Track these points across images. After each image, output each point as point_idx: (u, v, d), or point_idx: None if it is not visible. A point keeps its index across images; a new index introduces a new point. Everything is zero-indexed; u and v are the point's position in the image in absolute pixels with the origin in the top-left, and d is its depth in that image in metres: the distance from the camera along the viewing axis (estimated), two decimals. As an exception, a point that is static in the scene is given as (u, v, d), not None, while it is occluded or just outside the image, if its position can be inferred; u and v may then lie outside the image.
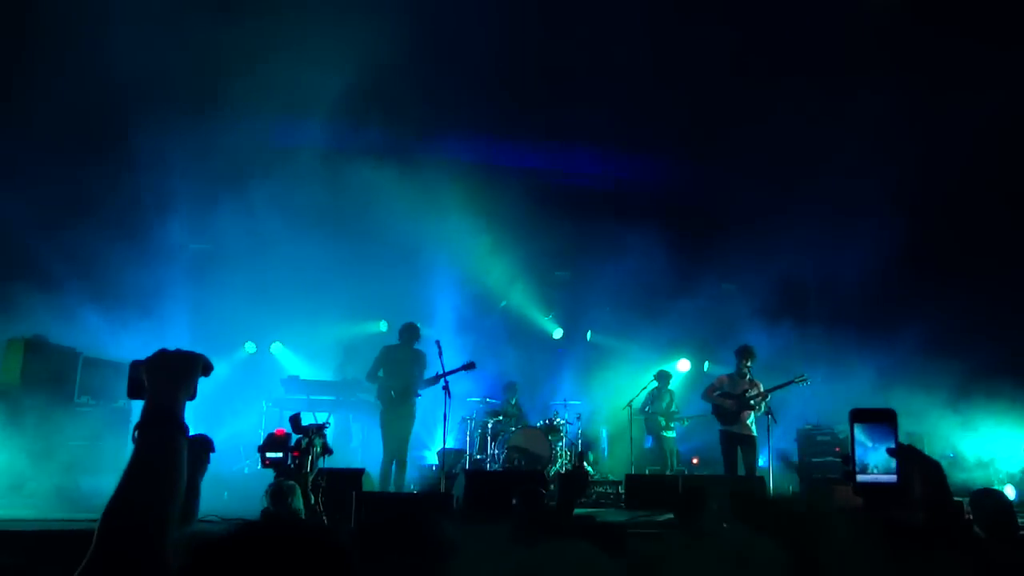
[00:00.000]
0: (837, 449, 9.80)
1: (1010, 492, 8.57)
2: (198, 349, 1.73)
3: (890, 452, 1.68)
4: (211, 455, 2.60)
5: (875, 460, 1.69)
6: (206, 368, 1.69)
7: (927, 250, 10.85)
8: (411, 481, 9.19)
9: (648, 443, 11.87)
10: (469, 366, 8.71)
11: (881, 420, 1.72)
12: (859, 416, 1.74)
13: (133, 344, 10.30)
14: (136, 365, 1.64)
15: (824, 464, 9.73)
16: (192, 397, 1.64)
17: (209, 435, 2.59)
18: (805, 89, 9.83)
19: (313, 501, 5.11)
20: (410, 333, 9.12)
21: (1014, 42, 8.93)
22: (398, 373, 8.82)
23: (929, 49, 9.13)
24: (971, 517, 5.22)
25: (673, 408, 11.06)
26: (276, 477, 4.87)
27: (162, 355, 1.63)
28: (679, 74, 10.20)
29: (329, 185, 10.49)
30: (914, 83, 9.59)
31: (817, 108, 9.69)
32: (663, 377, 11.10)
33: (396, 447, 8.65)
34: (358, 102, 10.07)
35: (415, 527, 5.81)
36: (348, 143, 11.44)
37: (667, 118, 10.95)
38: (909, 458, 1.67)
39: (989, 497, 4.69)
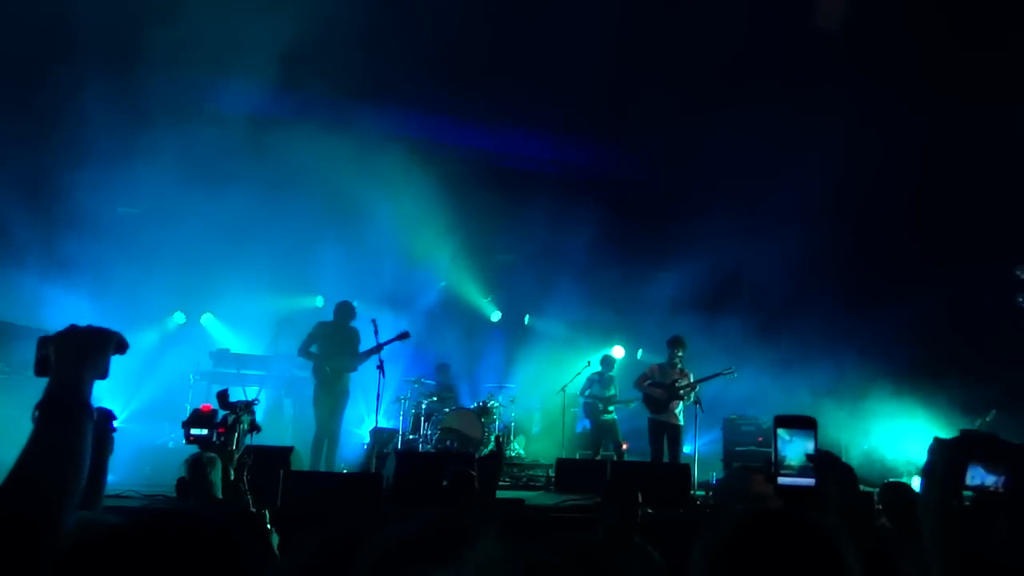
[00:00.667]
0: (760, 439, 10.14)
1: (916, 483, 9.00)
2: (125, 316, 1.66)
3: (809, 458, 1.78)
4: (116, 431, 2.47)
5: (795, 463, 1.80)
6: (120, 346, 1.61)
7: (860, 248, 11.25)
8: (341, 460, 9.12)
9: (580, 427, 12.06)
10: (403, 335, 8.63)
11: (803, 426, 1.83)
12: (782, 422, 1.84)
13: (57, 312, 9.90)
14: (44, 340, 1.55)
15: (747, 453, 10.06)
16: (102, 376, 1.56)
17: (124, 408, 2.50)
18: (751, 80, 10.00)
19: (233, 478, 5.01)
20: (345, 311, 8.98)
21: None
22: (332, 350, 8.68)
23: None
24: (880, 508, 5.50)
25: (612, 392, 11.11)
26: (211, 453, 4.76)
27: (72, 331, 1.55)
28: (627, 60, 10.27)
29: (266, 153, 10.22)
30: (859, 81, 9.82)
31: (764, 104, 9.86)
32: (608, 362, 11.24)
33: (327, 425, 8.53)
34: (298, 64, 9.78)
35: (341, 506, 5.76)
36: (288, 109, 11.14)
37: (612, 104, 11.03)
38: (826, 463, 1.75)
39: (896, 490, 4.93)
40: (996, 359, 10.63)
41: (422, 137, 10.90)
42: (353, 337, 8.82)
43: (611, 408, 10.98)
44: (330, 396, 8.60)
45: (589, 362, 11.20)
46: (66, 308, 10.15)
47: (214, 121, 10.46)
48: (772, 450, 1.82)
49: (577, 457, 10.89)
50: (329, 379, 8.63)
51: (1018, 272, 10.84)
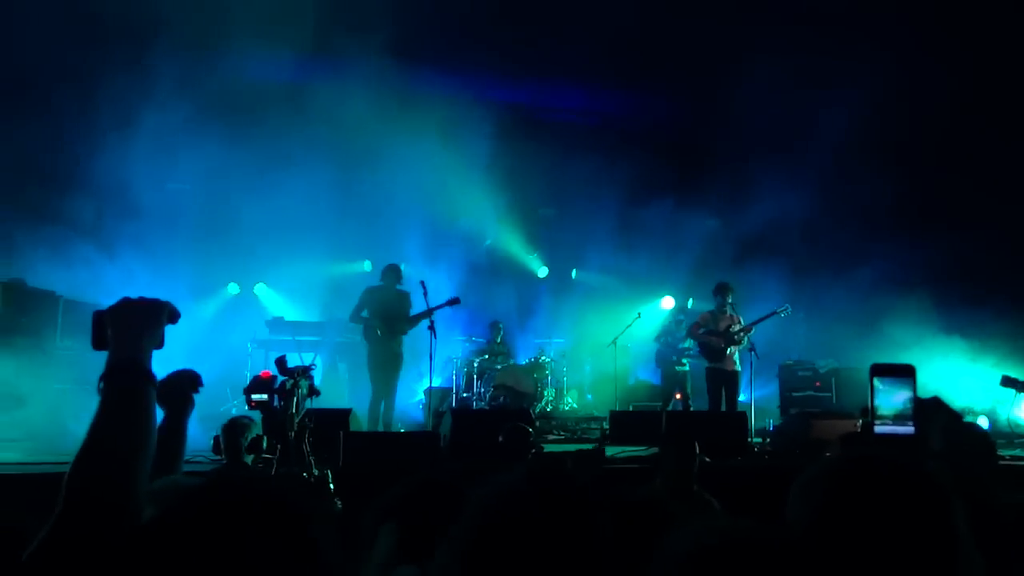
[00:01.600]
0: (817, 384, 10.00)
1: (984, 423, 8.80)
2: (180, 290, 1.69)
3: (916, 403, 1.78)
4: (197, 394, 2.54)
5: (891, 411, 1.80)
6: (172, 315, 1.65)
7: (913, 189, 10.82)
8: (398, 420, 9.30)
9: (633, 379, 12.02)
10: (453, 301, 8.66)
11: (900, 375, 1.83)
12: (879, 371, 1.84)
13: (113, 289, 10.22)
14: (99, 315, 1.59)
15: (804, 398, 9.93)
16: (159, 346, 1.60)
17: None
18: (796, 25, 9.60)
19: (292, 440, 5.15)
20: (393, 273, 9.01)
21: None
22: (382, 313, 8.75)
23: None
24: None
25: (687, 344, 10.94)
26: (263, 418, 4.91)
27: (125, 304, 1.58)
28: (667, 6, 9.95)
29: (310, 122, 10.26)
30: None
31: (811, 48, 9.48)
32: (686, 312, 11.13)
33: (384, 386, 8.65)
34: (337, 33, 9.76)
35: (401, 465, 5.88)
36: (328, 74, 11.13)
37: (653, 52, 10.71)
38: (929, 410, 1.75)
39: (968, 429, 4.84)
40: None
41: (461, 94, 10.77)
42: (403, 300, 8.87)
43: (684, 360, 10.77)
44: (384, 359, 8.69)
45: (639, 313, 11.11)
46: (121, 285, 10.48)
47: (255, 91, 10.55)
48: (868, 399, 1.82)
49: (631, 409, 10.90)
50: (381, 340, 8.70)
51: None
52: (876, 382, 1.83)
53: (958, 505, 1.23)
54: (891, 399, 1.81)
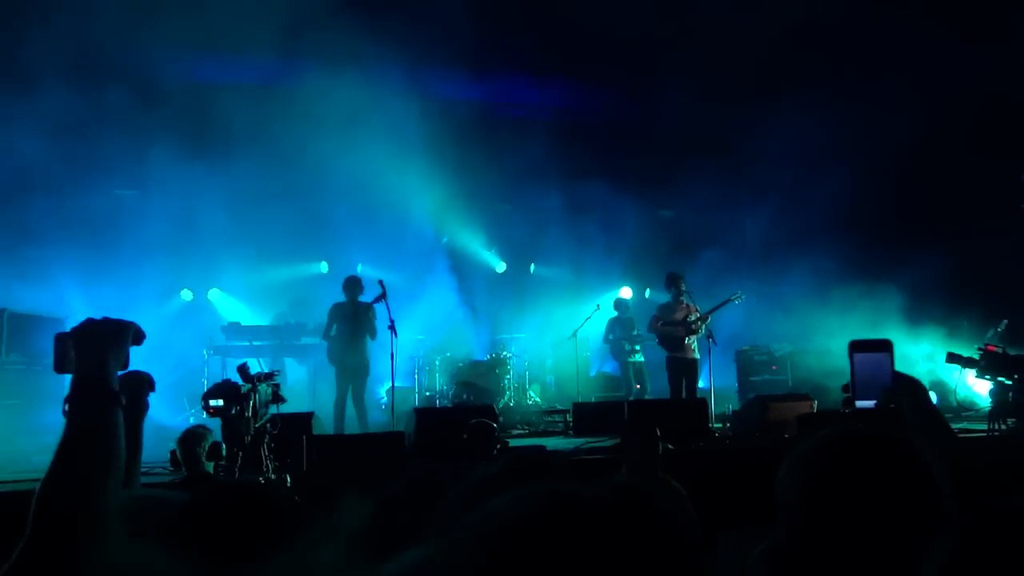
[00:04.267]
0: (774, 368, 10.19)
1: (933, 397, 9.08)
2: (131, 297, 1.66)
3: (895, 378, 1.80)
4: (151, 399, 2.47)
5: (870, 385, 1.81)
6: (137, 336, 1.63)
7: (868, 182, 11.11)
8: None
9: (595, 371, 12.12)
10: (380, 297, 8.52)
11: (878, 349, 1.85)
12: (857, 347, 1.86)
13: (64, 298, 9.93)
14: (61, 338, 1.56)
15: (762, 382, 10.12)
16: (124, 367, 1.59)
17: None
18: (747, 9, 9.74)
19: (250, 445, 5.06)
20: (352, 287, 9.06)
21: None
22: (348, 330, 8.86)
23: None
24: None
25: (636, 331, 11.09)
26: (222, 425, 4.81)
27: (89, 324, 1.56)
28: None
29: (258, 121, 10.06)
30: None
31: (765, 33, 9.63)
32: (621, 305, 11.29)
33: (354, 398, 8.81)
34: (286, 30, 9.60)
35: (365, 466, 5.81)
36: (279, 80, 10.97)
37: (606, 45, 10.76)
38: (907, 385, 1.78)
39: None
40: (1008, 276, 10.65)
41: (414, 92, 10.69)
42: (365, 313, 8.90)
43: (637, 347, 10.95)
44: (347, 372, 8.83)
45: (598, 305, 11.20)
46: (72, 294, 10.19)
47: (204, 94, 10.32)
48: (850, 375, 1.83)
49: (593, 400, 10.98)
50: (341, 359, 8.84)
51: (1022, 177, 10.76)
52: (856, 357, 1.86)
53: (935, 473, 1.29)
54: (869, 374, 1.82)
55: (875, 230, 11.12)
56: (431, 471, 2.40)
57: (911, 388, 1.76)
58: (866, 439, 1.33)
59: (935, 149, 10.45)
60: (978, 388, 9.08)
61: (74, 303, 9.89)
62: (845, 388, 1.83)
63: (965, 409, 8.38)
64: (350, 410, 8.83)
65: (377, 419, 9.64)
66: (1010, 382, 6.68)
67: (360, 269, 12.08)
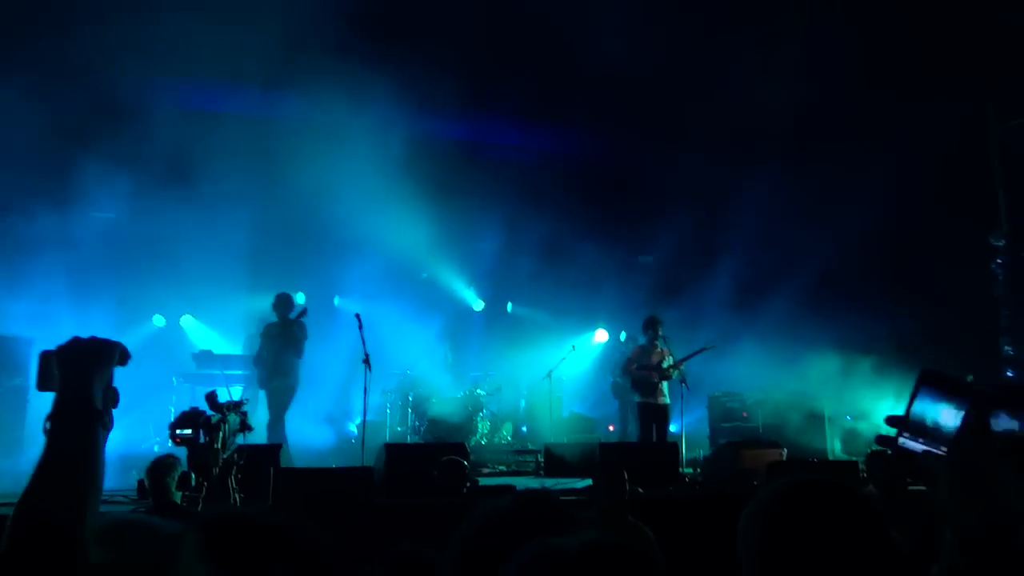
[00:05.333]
0: (744, 415, 10.25)
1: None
2: (103, 321, 1.65)
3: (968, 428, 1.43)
4: (115, 422, 2.41)
5: (930, 426, 1.47)
6: (123, 357, 1.62)
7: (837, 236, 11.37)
8: (330, 454, 9.09)
9: (568, 412, 12.08)
10: (302, 312, 8.69)
11: (956, 392, 1.45)
12: (930, 379, 1.48)
13: (33, 320, 9.77)
14: (46, 355, 1.55)
15: (732, 428, 10.16)
16: (108, 387, 1.58)
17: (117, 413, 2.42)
18: (732, 61, 10.00)
19: (218, 477, 4.97)
20: (282, 304, 8.81)
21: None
22: (276, 349, 8.64)
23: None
24: (865, 475, 5.61)
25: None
26: (189, 455, 4.73)
27: (75, 343, 1.55)
28: (605, 48, 10.23)
29: (242, 150, 10.08)
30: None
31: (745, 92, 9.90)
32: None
33: (274, 425, 8.42)
34: (273, 60, 9.68)
35: (333, 501, 5.73)
36: (261, 109, 11.04)
37: (593, 90, 10.96)
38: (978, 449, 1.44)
39: (882, 456, 5.05)
40: (972, 330, 10.90)
41: (400, 127, 10.80)
42: (294, 331, 8.66)
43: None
44: (271, 395, 8.60)
45: (574, 346, 11.23)
46: (41, 316, 10.02)
47: (186, 120, 10.34)
48: (907, 406, 1.48)
49: (565, 441, 10.92)
50: (266, 381, 8.60)
51: (992, 240, 11.06)
52: (923, 391, 1.49)
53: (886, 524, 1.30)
54: (935, 414, 1.47)
55: (847, 286, 11.35)
56: (417, 549, 2.38)
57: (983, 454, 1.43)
58: (821, 489, 1.34)
59: (908, 211, 10.74)
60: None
61: (44, 324, 9.73)
62: (892, 422, 1.51)
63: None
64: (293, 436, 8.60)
65: (348, 453, 9.52)
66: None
67: (337, 301, 12.03)
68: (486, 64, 10.47)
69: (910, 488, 4.97)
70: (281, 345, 8.57)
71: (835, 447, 10.03)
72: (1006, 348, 10.73)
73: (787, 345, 10.51)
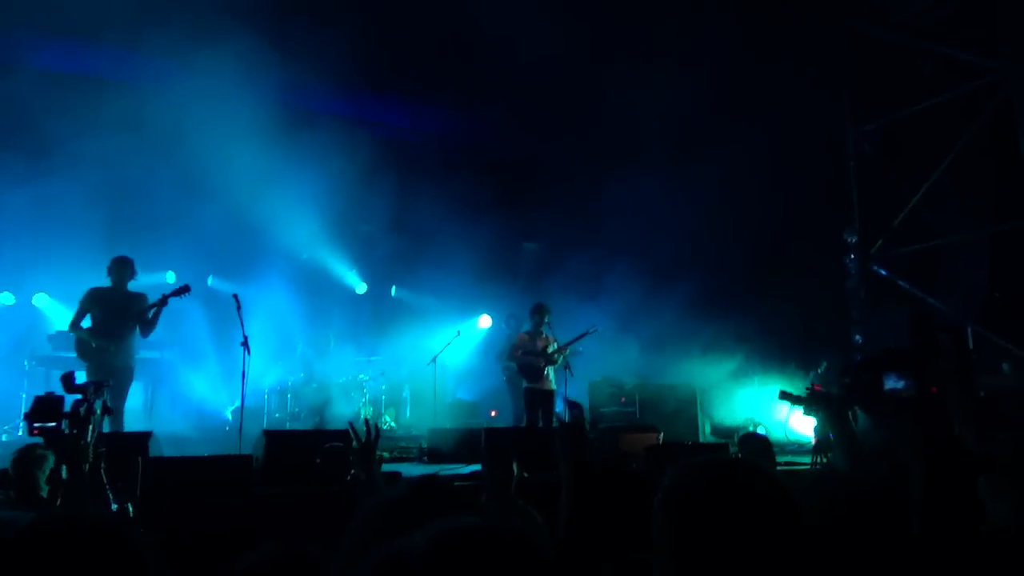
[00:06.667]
0: (623, 400, 10.61)
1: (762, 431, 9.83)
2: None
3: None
4: None
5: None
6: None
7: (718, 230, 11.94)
8: (201, 441, 8.65)
9: (469, 395, 12.07)
10: (183, 289, 7.49)
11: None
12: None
13: None
14: None
15: (612, 413, 10.49)
16: None
17: None
18: (620, 62, 10.22)
19: (89, 472, 4.60)
20: (121, 269, 7.48)
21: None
22: (109, 320, 7.37)
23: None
24: (739, 455, 5.97)
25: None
26: (55, 449, 4.34)
27: None
28: (502, 30, 10.18)
29: (109, 119, 9.33)
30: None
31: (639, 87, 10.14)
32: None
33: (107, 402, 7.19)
34: (137, 22, 9.01)
35: (209, 491, 5.44)
36: (125, 70, 10.27)
37: (488, 73, 10.90)
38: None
39: (753, 438, 5.45)
40: (827, 319, 11.80)
41: (285, 101, 10.35)
42: (136, 302, 7.51)
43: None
44: (103, 375, 7.03)
45: (459, 332, 11.23)
46: None
47: (35, 77, 9.47)
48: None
49: (449, 427, 10.92)
50: (96, 356, 7.35)
51: (845, 236, 11.97)
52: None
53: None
54: None
55: (722, 282, 11.96)
56: (293, 547, 2.23)
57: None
58: (728, 466, 1.42)
59: (775, 210, 11.42)
60: (798, 427, 9.96)
61: None
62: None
63: (791, 443, 9.12)
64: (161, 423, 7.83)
65: (222, 440, 9.10)
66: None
67: (211, 281, 11.46)
68: (376, 39, 10.19)
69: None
70: (122, 319, 7.42)
71: (706, 431, 10.59)
72: (856, 337, 11.66)
73: (664, 335, 10.99)
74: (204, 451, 8.43)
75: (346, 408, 10.06)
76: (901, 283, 11.07)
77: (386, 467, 7.84)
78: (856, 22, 11.31)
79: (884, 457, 1.56)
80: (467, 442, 8.03)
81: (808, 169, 11.55)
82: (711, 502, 1.34)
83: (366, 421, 6.00)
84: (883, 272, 11.40)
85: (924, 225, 10.80)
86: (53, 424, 4.33)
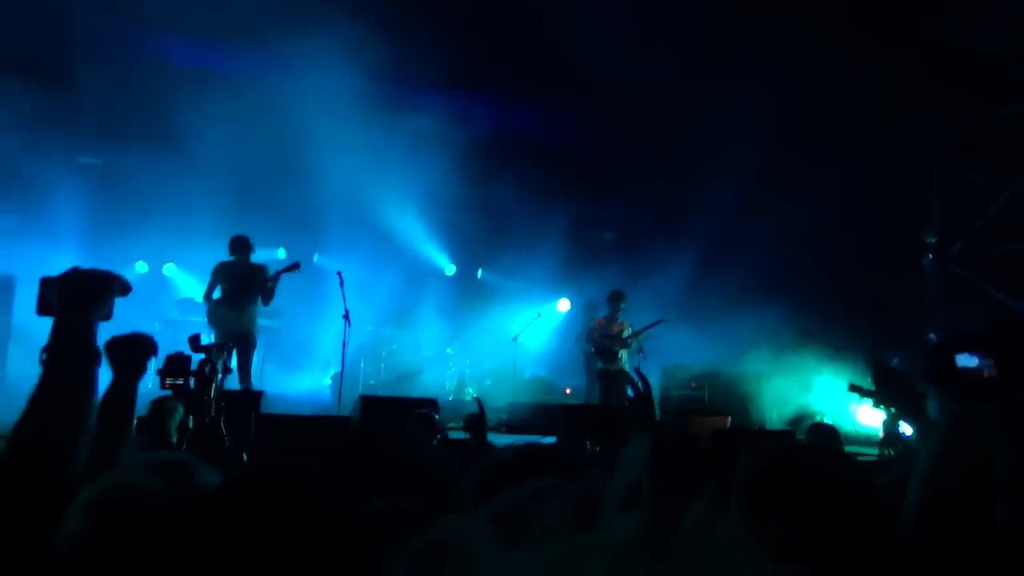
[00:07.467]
0: (694, 384, 10.49)
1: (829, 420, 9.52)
2: (86, 263, 1.60)
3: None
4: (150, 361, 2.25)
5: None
6: (124, 288, 1.58)
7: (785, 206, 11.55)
8: (307, 403, 9.07)
9: (546, 373, 12.20)
10: (294, 266, 8.04)
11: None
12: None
13: (17, 262, 9.51)
14: (47, 281, 1.51)
15: (683, 396, 10.40)
16: (107, 318, 1.54)
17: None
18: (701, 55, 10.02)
19: (210, 422, 4.93)
20: (240, 246, 8.03)
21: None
22: (234, 291, 7.89)
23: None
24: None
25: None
26: (184, 402, 4.67)
27: (75, 273, 1.50)
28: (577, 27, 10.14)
29: (235, 106, 9.81)
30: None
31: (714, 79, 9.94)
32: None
33: (239, 370, 7.55)
34: (256, 22, 9.42)
35: (311, 447, 5.74)
36: (256, 64, 10.74)
37: (577, 73, 10.87)
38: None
39: (821, 427, 5.33)
40: (900, 318, 11.29)
41: (387, 95, 10.62)
42: (257, 273, 8.01)
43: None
44: (228, 341, 7.27)
45: (539, 313, 11.32)
46: (27, 258, 9.74)
47: (171, 72, 10.05)
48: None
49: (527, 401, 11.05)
50: (224, 323, 7.80)
51: (924, 237, 11.42)
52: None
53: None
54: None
55: (795, 279, 11.57)
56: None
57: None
58: (802, 447, 1.45)
59: (856, 209, 10.98)
60: (865, 420, 9.61)
61: (30, 267, 9.47)
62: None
63: (859, 435, 8.83)
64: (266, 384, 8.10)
65: (325, 400, 9.53)
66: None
67: (316, 259, 11.92)
68: (478, 44, 10.33)
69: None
70: (246, 291, 7.97)
71: (772, 418, 10.34)
72: (931, 336, 11.13)
73: (735, 327, 10.77)
74: (307, 411, 8.87)
75: (433, 379, 10.32)
76: (983, 284, 10.49)
77: (465, 435, 8.04)
78: (945, 29, 10.68)
79: (963, 433, 1.50)
80: (544, 416, 8.14)
81: (887, 170, 11.04)
82: (793, 472, 1.37)
83: (476, 399, 6.26)
84: (964, 273, 10.83)
85: (1006, 228, 10.21)
86: (181, 380, 4.68)
